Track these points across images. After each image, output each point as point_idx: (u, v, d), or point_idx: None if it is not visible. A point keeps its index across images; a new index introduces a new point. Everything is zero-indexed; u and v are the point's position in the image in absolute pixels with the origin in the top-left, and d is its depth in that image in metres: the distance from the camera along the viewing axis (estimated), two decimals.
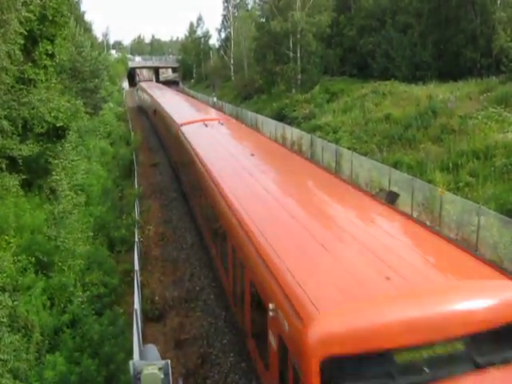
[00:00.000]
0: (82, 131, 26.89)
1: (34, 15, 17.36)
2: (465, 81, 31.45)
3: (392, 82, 36.37)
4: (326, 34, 44.69)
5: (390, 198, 18.97)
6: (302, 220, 9.36)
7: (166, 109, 33.58)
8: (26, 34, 16.54)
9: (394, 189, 19.96)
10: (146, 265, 16.51)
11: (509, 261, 14.55)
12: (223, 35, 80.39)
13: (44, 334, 10.83)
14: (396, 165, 23.13)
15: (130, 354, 8.85)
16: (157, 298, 14.04)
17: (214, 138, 20.33)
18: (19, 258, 12.57)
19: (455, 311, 6.00)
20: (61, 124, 18.07)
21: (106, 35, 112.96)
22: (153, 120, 45.77)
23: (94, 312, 11.99)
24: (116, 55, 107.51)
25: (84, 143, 26.38)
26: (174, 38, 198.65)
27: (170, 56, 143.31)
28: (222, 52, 79.30)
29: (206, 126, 22.75)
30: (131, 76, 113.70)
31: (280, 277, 7.14)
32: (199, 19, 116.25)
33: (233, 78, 72.65)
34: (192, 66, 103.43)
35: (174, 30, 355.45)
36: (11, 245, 13.32)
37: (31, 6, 16.76)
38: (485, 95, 26.88)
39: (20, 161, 16.91)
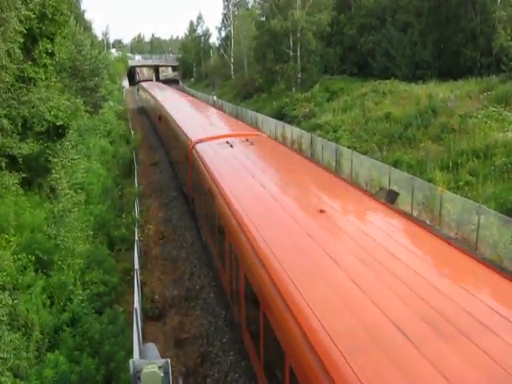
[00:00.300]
0: (81, 130, 26.86)
1: (34, 14, 17.34)
2: (465, 80, 31.44)
3: (392, 80, 36.38)
4: (326, 32, 44.68)
5: (390, 197, 18.97)
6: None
7: (174, 117, 26.95)
8: (25, 32, 16.53)
9: (394, 188, 19.96)
10: (145, 263, 16.51)
11: (508, 260, 14.56)
12: (223, 34, 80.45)
13: (44, 332, 10.84)
14: (396, 164, 23.13)
15: (129, 353, 8.86)
16: (157, 297, 14.04)
17: (246, 169, 13.80)
18: (19, 256, 12.58)
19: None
20: (61, 123, 18.06)
21: (105, 34, 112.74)
22: (158, 127, 39.32)
23: (93, 311, 12.00)
24: (116, 54, 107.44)
25: (84, 142, 26.36)
26: (174, 37, 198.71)
27: (170, 55, 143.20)
28: (222, 51, 79.25)
29: (231, 145, 16.64)
30: (131, 75, 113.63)
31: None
32: (199, 18, 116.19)
33: (233, 76, 72.60)
34: (192, 64, 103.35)
35: (174, 29, 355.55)
36: (11, 243, 13.33)
37: (31, 5, 16.75)
38: (485, 94, 26.88)
39: (20, 159, 16.91)
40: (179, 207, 22.55)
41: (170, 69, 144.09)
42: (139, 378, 6.14)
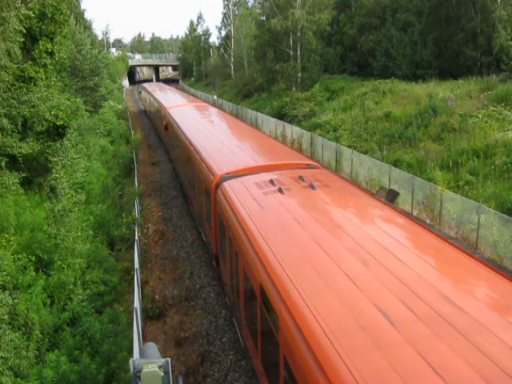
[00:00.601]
0: (82, 129, 26.88)
1: (34, 13, 17.37)
2: (465, 79, 31.45)
3: (392, 80, 36.39)
4: (327, 32, 44.67)
5: (390, 197, 18.97)
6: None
7: (186, 133, 20.64)
8: (25, 31, 16.55)
9: (394, 187, 19.97)
10: (146, 263, 16.52)
11: (509, 259, 14.56)
12: (223, 33, 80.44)
13: (44, 332, 10.85)
14: (396, 163, 23.15)
15: (130, 352, 8.86)
16: (157, 297, 14.04)
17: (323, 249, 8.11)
18: (19, 256, 12.59)
19: None
20: (61, 122, 18.06)
21: (105, 33, 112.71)
22: (163, 137, 33.72)
23: (94, 310, 12.01)
24: (116, 53, 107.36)
25: (84, 141, 26.37)
26: (174, 36, 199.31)
27: (170, 54, 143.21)
28: (222, 50, 79.24)
29: (280, 190, 10.60)
30: (131, 74, 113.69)
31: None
32: (199, 17, 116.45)
33: (233, 76, 72.59)
34: (192, 64, 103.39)
35: (174, 28, 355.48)
36: (11, 243, 13.35)
37: (30, 4, 16.76)
38: (485, 94, 26.88)
39: (20, 159, 16.94)
40: (179, 206, 22.57)
41: (170, 68, 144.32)
42: (139, 377, 6.14)
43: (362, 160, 23.27)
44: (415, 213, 18.69)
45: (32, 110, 17.08)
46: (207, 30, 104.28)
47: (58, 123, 17.95)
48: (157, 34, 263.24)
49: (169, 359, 6.34)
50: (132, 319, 9.78)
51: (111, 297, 13.17)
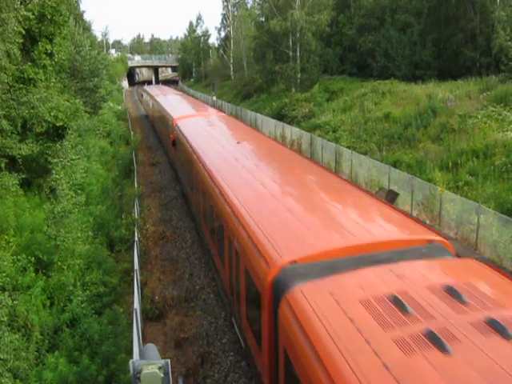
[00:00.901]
0: (81, 130, 26.87)
1: (33, 14, 17.38)
2: (464, 80, 31.47)
3: (391, 80, 36.42)
4: (326, 32, 44.69)
5: (390, 197, 18.98)
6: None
7: (210, 169, 13.99)
8: (24, 33, 16.55)
9: (394, 188, 19.97)
10: (145, 264, 16.51)
11: (508, 260, 14.56)
12: (223, 34, 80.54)
13: (44, 333, 10.85)
14: (395, 164, 23.14)
15: (129, 354, 8.85)
16: (157, 298, 14.04)
17: None
18: (19, 257, 12.58)
19: None
20: (60, 123, 18.06)
21: (105, 34, 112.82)
22: (171, 153, 27.17)
23: (93, 311, 12.00)
24: (115, 54, 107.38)
25: (83, 142, 26.35)
26: (174, 37, 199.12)
27: (170, 55, 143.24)
28: (221, 51, 79.30)
29: (443, 348, 4.81)
30: (131, 75, 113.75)
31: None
32: (199, 18, 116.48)
33: (232, 77, 72.61)
34: (191, 65, 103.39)
35: (173, 30, 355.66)
36: (11, 244, 13.34)
37: (30, 5, 16.77)
38: (484, 94, 26.90)
39: (20, 160, 16.93)
40: (179, 207, 22.56)
41: (169, 69, 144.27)
42: (139, 378, 6.14)
43: (361, 161, 23.27)
44: (415, 213, 18.69)
45: (31, 111, 17.08)
46: (206, 31, 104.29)
47: (57, 124, 17.96)
48: (156, 35, 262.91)
49: (169, 360, 6.34)
50: (132, 320, 9.77)
51: (111, 298, 13.15)
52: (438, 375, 4.47)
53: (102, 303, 12.66)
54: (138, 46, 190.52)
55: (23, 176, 17.07)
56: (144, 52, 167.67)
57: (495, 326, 5.00)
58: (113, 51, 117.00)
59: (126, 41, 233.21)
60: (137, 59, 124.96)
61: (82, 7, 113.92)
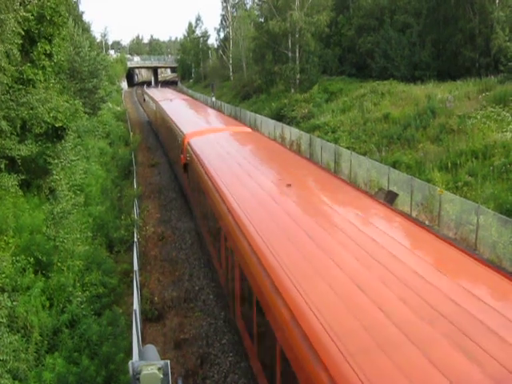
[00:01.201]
0: (80, 131, 26.84)
1: (32, 15, 17.34)
2: (463, 80, 31.52)
3: (391, 81, 36.45)
4: (325, 33, 44.73)
5: (389, 198, 18.98)
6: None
7: (244, 221, 9.61)
8: (23, 33, 16.53)
9: (393, 188, 19.98)
10: (145, 265, 16.50)
11: (508, 260, 14.57)
12: (222, 35, 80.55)
13: (43, 334, 10.83)
14: (395, 164, 23.15)
15: (129, 355, 8.84)
16: (156, 299, 14.02)
17: None
18: (18, 258, 12.56)
19: None
20: (60, 124, 18.03)
21: (104, 35, 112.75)
22: (182, 178, 22.11)
23: (93, 312, 11.98)
24: (115, 55, 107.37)
25: (83, 143, 26.34)
26: (173, 38, 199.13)
27: (169, 56, 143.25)
28: (220, 52, 79.32)
29: None
30: (130, 76, 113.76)
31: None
32: (198, 19, 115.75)
33: (231, 77, 72.63)
34: (191, 65, 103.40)
35: (172, 30, 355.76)
36: (10, 245, 13.31)
37: (29, 6, 16.75)
38: (483, 95, 26.94)
39: (19, 161, 16.90)
40: (178, 208, 22.55)
41: (168, 70, 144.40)
42: (138, 379, 6.12)
43: (360, 161, 23.28)
44: (414, 214, 18.70)
45: (31, 111, 17.05)
46: (206, 31, 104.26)
47: (56, 125, 17.92)
48: (155, 36, 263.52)
49: (168, 361, 6.33)
50: (131, 321, 9.76)
51: (110, 299, 13.13)
52: None
53: (102, 304, 12.64)
54: (137, 46, 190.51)
55: (22, 177, 17.03)
56: (143, 53, 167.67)
57: None
58: (112, 52, 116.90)
59: (125, 42, 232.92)
60: (136, 60, 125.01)
61: (82, 8, 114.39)
